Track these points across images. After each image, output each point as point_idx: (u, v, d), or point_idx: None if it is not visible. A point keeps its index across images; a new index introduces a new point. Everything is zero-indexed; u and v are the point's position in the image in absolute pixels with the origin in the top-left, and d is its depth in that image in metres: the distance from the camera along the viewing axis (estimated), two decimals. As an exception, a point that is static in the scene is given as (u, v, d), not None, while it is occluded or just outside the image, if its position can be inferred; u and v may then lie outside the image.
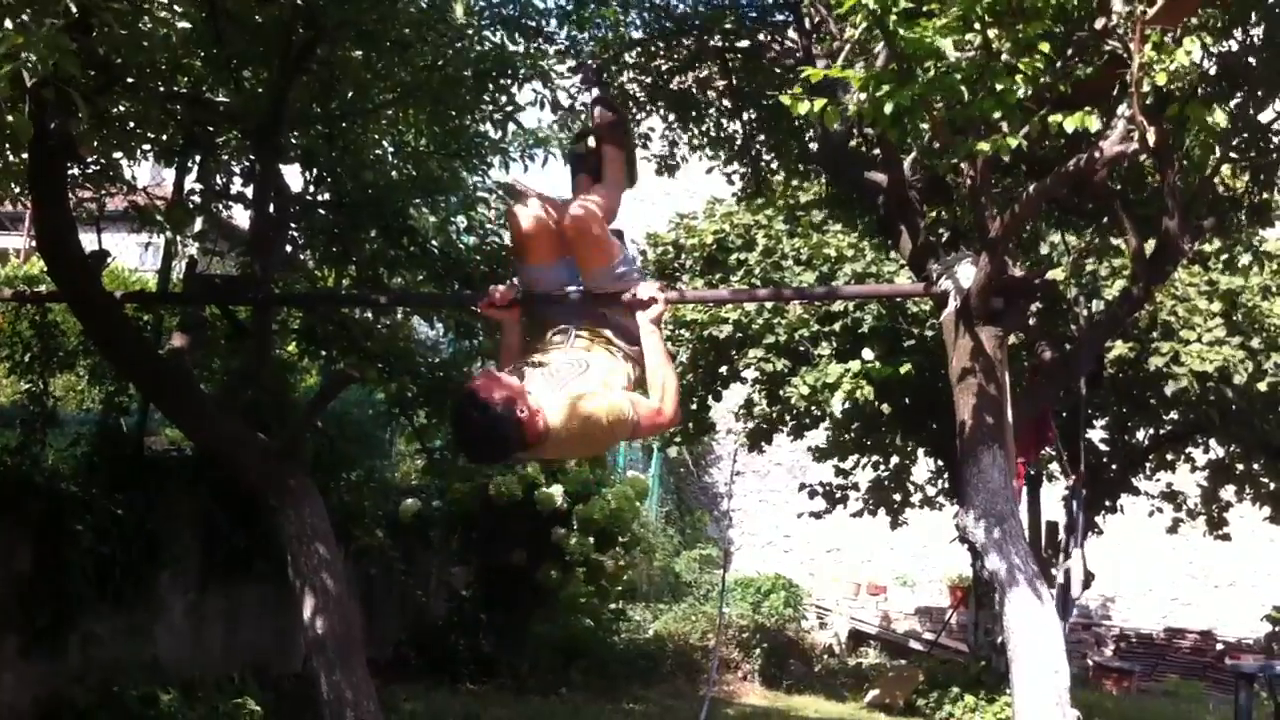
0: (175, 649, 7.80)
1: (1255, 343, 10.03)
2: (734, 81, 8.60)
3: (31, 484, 6.85)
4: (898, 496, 13.47)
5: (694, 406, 12.27)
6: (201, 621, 8.14)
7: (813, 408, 11.02)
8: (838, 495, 13.72)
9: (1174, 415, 11.79)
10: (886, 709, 12.69)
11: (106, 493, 7.24)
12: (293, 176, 7.38)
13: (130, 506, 7.30)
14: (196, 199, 7.18)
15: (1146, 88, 4.65)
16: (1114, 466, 12.62)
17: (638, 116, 8.93)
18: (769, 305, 10.85)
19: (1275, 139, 6.86)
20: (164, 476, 7.79)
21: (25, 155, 5.38)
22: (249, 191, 7.04)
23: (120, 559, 7.12)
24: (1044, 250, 9.84)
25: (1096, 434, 12.39)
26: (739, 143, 9.20)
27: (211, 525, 8.10)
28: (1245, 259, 9.35)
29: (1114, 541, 13.81)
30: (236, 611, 8.45)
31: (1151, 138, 4.79)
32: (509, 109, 7.00)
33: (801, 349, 10.98)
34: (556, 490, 10.51)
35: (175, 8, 4.28)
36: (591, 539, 10.75)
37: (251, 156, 6.93)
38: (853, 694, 13.52)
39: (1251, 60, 6.16)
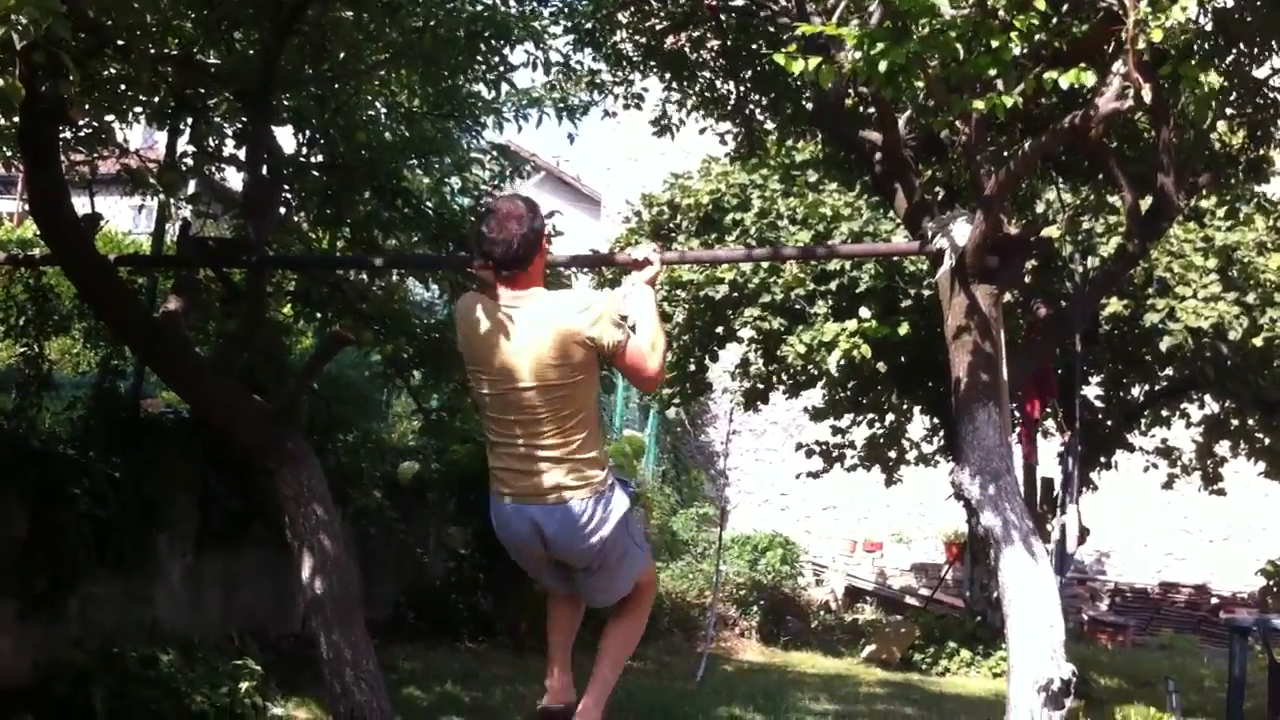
0: (174, 612, 7.82)
1: (1250, 298, 10.02)
2: (728, 41, 8.56)
3: (27, 448, 6.85)
4: (893, 454, 13.50)
5: (691, 367, 12.28)
6: (200, 584, 8.17)
7: (809, 367, 11.03)
8: (834, 454, 13.75)
9: (1169, 371, 11.81)
10: (883, 664, 12.79)
11: (103, 456, 7.24)
12: (285, 138, 7.35)
13: (127, 470, 7.30)
14: (189, 162, 7.16)
15: (1141, 44, 4.63)
16: (1109, 422, 12.64)
17: (631, 77, 8.90)
18: (765, 265, 10.84)
19: (1271, 95, 6.85)
20: (160, 439, 7.79)
21: (16, 119, 5.36)
22: (241, 154, 7.01)
23: (117, 523, 7.12)
24: (1039, 208, 9.83)
25: (1091, 390, 12.41)
26: (733, 103, 9.16)
27: (208, 488, 8.10)
28: (1247, 209, 9.33)
29: (1109, 497, 13.84)
30: (234, 573, 8.47)
31: (1147, 94, 4.78)
32: (502, 69, 6.97)
33: (797, 308, 10.98)
34: (554, 449, 10.52)
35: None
36: (589, 498, 10.78)
37: (244, 118, 6.90)
38: (849, 650, 13.62)
39: (1247, 16, 6.14)
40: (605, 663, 4.44)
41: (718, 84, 9.10)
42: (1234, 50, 6.37)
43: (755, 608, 14.41)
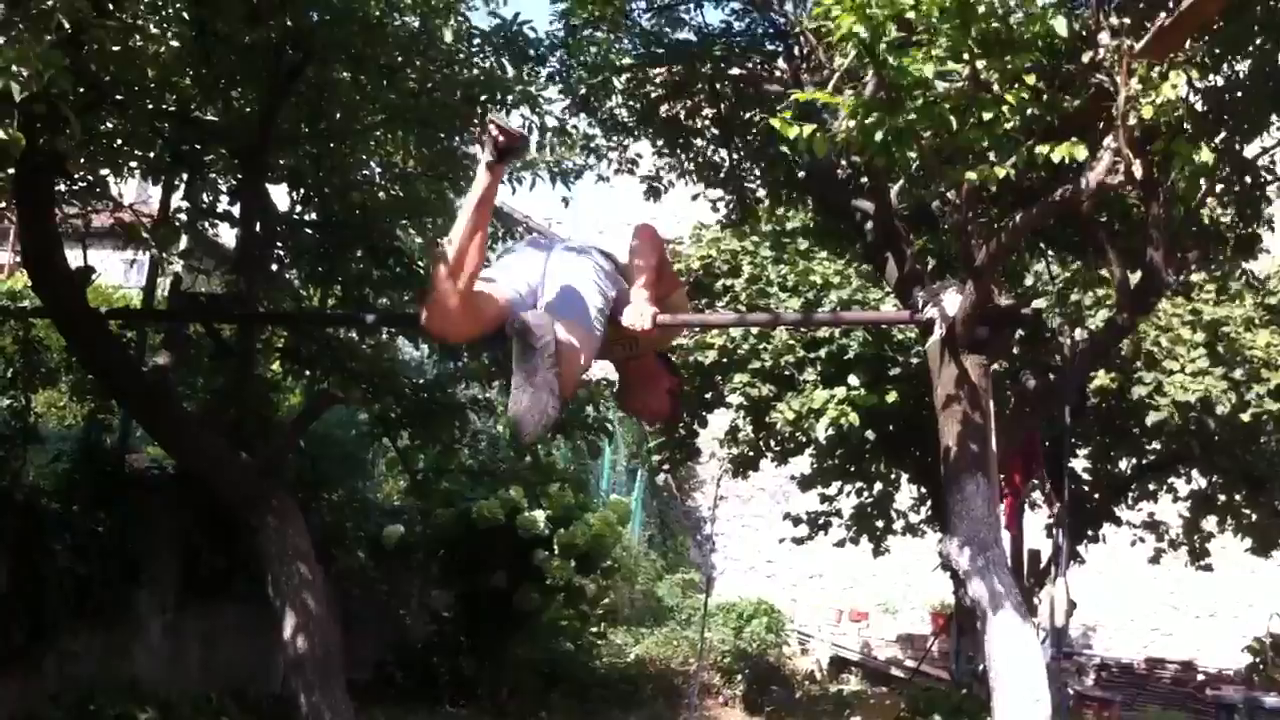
0: (153, 669, 7.74)
1: (1238, 374, 10.05)
2: (723, 109, 8.63)
3: (10, 500, 6.81)
4: (881, 523, 13.45)
5: (680, 432, 12.26)
6: (180, 641, 8.08)
7: (797, 433, 11.02)
8: (821, 522, 13.70)
9: (1157, 445, 11.81)
10: (868, 736, 12.66)
11: (86, 510, 7.20)
12: (280, 196, 7.38)
13: (110, 524, 7.25)
14: (183, 217, 7.18)
15: (1133, 121, 4.68)
16: (1096, 496, 12.64)
17: (626, 142, 8.96)
18: (754, 331, 10.86)
19: (1261, 172, 6.91)
20: (144, 494, 7.75)
21: (12, 170, 5.37)
22: (236, 210, 7.03)
23: (99, 577, 7.07)
24: (1029, 280, 9.89)
25: (1079, 463, 12.41)
26: (726, 170, 9.22)
27: (191, 544, 8.04)
28: (1237, 285, 9.39)
29: (1096, 571, 13.81)
30: (215, 631, 8.39)
31: (1137, 170, 4.82)
32: (496, 133, 7.00)
33: (787, 375, 10.99)
34: (539, 514, 10.48)
35: (166, 27, 4.28)
36: (573, 563, 10.72)
37: (239, 175, 6.93)
38: (834, 721, 13.49)
39: (1238, 94, 6.21)
40: None
41: (711, 151, 9.16)
42: (1223, 128, 6.43)
43: (740, 676, 14.28)
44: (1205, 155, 4.73)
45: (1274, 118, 6.47)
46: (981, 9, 4.23)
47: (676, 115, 8.80)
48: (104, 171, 6.45)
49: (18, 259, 10.30)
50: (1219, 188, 6.77)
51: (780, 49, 8.03)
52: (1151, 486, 12.95)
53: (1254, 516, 12.33)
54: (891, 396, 10.38)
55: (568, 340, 3.81)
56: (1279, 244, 9.33)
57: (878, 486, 13.23)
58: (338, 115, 6.88)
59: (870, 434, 10.82)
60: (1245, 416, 9.99)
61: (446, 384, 8.29)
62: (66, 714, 6.76)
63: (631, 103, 8.73)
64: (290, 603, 6.08)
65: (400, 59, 6.33)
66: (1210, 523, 13.01)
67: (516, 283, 4.03)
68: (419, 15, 6.14)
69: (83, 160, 5.80)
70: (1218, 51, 5.96)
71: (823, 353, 10.76)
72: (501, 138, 3.75)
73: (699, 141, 9.09)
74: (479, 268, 3.89)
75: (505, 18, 6.82)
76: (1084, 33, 5.25)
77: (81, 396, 7.98)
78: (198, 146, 6.76)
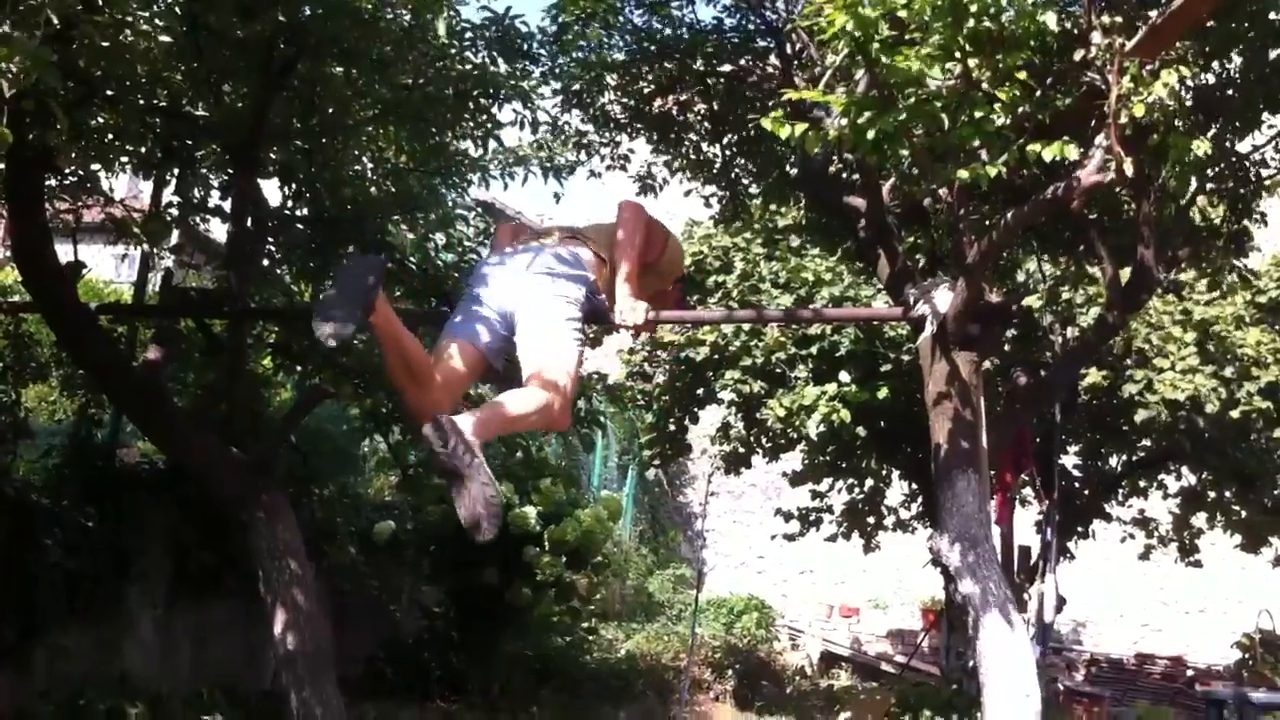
0: (143, 664, 7.72)
1: (1228, 371, 10.10)
2: (715, 106, 8.63)
3: (0, 495, 6.79)
4: (872, 519, 13.48)
5: (670, 427, 12.27)
6: (170, 637, 8.07)
7: (789, 430, 11.04)
8: (812, 518, 13.72)
9: (1146, 442, 11.86)
10: (858, 732, 12.68)
11: (77, 505, 7.18)
12: (271, 191, 7.36)
13: (100, 520, 7.24)
14: (174, 212, 7.16)
15: (1124, 119, 4.69)
16: (1086, 492, 12.68)
17: (618, 138, 8.95)
18: (746, 327, 10.86)
19: (1252, 169, 6.93)
20: (135, 490, 7.73)
21: (2, 165, 5.36)
22: (227, 205, 7.01)
23: (89, 573, 7.05)
24: (1020, 277, 9.90)
25: (1069, 460, 12.45)
26: (718, 166, 9.22)
27: (182, 540, 8.03)
28: (1230, 279, 9.41)
29: (1086, 567, 13.84)
30: (206, 627, 8.37)
31: (1128, 168, 4.83)
32: (489, 127, 7.00)
33: (778, 371, 11.00)
34: (530, 510, 10.47)
35: (157, 22, 4.27)
36: (564, 559, 10.71)
37: (230, 170, 6.91)
38: (824, 716, 13.50)
39: (1230, 92, 6.23)
40: (498, 399, 3.96)
41: (704, 147, 9.16)
42: (1215, 125, 6.45)
43: (730, 671, 14.31)
44: (1205, 147, 4.75)
45: (1266, 115, 6.49)
46: (973, 7, 4.23)
47: (669, 111, 8.80)
48: (95, 166, 6.42)
49: (8, 254, 10.27)
50: (1210, 185, 6.79)
51: (772, 46, 8.03)
52: (1141, 483, 12.99)
53: (1243, 513, 12.38)
54: (883, 393, 10.40)
55: (557, 360, 3.96)
56: (1270, 241, 9.37)
57: (869, 483, 13.25)
58: (330, 110, 6.86)
59: (861, 430, 10.84)
60: (1235, 414, 10.04)
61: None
62: (57, 710, 6.74)
63: (624, 99, 8.73)
64: (281, 598, 6.07)
65: (393, 53, 6.31)
66: (1200, 519, 13.06)
67: (485, 321, 4.12)
68: (411, 9, 6.12)
69: (73, 155, 5.78)
70: (1209, 49, 5.97)
71: (814, 349, 10.77)
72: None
73: (691, 137, 9.09)
74: (429, 358, 4.02)
75: (497, 12, 6.81)
76: (1075, 31, 5.26)
77: (72, 392, 7.96)
78: (189, 141, 6.73)
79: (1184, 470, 12.61)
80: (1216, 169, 6.67)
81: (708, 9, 17.39)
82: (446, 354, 4.06)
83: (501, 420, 3.87)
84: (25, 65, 3.37)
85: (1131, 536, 13.61)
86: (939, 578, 12.74)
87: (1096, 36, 5.01)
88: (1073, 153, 4.54)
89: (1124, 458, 12.68)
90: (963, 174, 4.61)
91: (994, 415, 6.90)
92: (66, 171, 6.05)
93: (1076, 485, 12.60)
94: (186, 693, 7.81)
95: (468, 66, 6.72)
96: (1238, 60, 6.27)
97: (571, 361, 4.05)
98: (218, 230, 7.86)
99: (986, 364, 6.84)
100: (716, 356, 11.14)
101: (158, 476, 7.95)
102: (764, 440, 11.93)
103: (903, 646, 17.72)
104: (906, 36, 4.45)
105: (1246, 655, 15.43)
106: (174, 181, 7.21)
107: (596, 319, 4.31)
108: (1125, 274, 6.50)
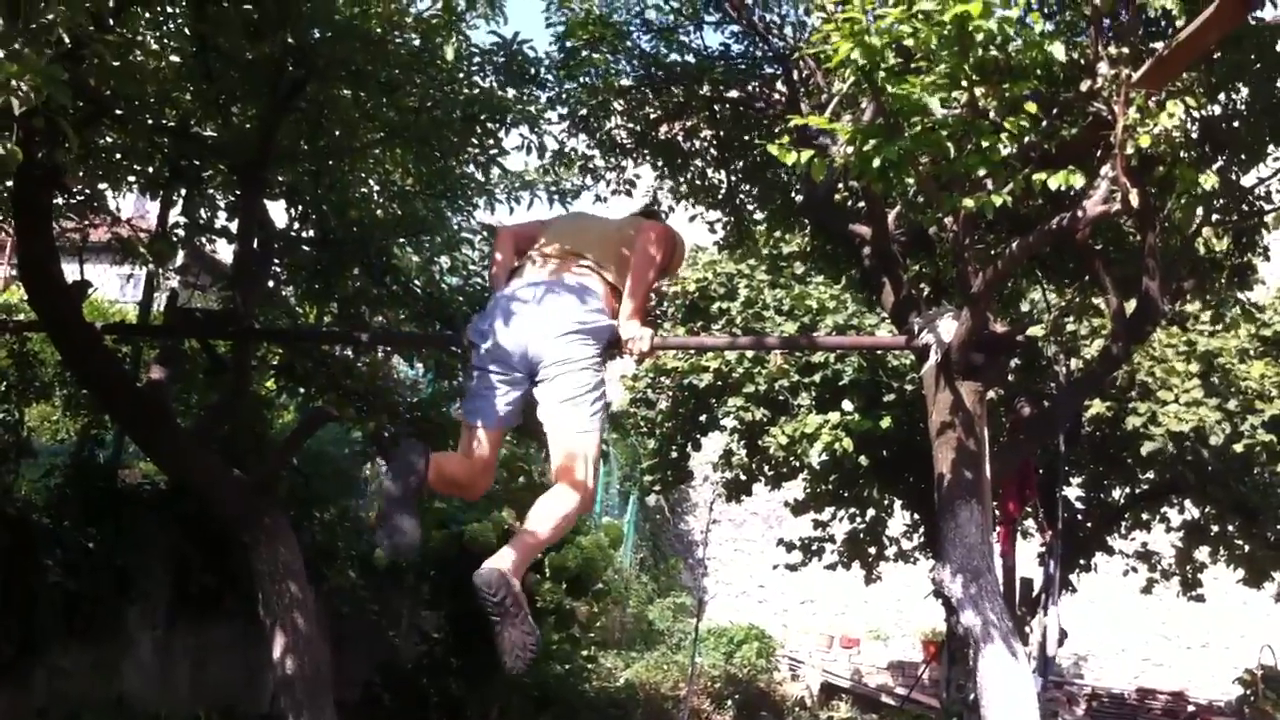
0: (142, 685, 7.69)
1: (1232, 404, 10.06)
2: (721, 132, 8.65)
3: (2, 515, 6.78)
4: (873, 550, 13.43)
5: (673, 454, 12.24)
6: (169, 658, 8.04)
7: (791, 458, 11.01)
8: (813, 548, 13.67)
9: (1150, 475, 11.81)
10: (857, 763, 12.62)
11: (78, 525, 7.17)
12: (277, 213, 7.38)
13: (101, 540, 7.22)
14: (180, 232, 7.17)
15: (1130, 149, 4.70)
16: (1089, 525, 12.62)
17: (624, 163, 8.98)
18: (749, 354, 10.86)
19: (1257, 201, 6.94)
20: (136, 510, 7.72)
21: (9, 183, 5.37)
22: (233, 226, 7.03)
23: (89, 593, 7.03)
24: (1025, 307, 9.90)
25: (1072, 492, 12.40)
26: (724, 192, 9.24)
27: (182, 561, 8.01)
28: (1233, 312, 9.41)
29: (1088, 600, 13.80)
30: (205, 649, 8.34)
31: (1134, 199, 4.84)
32: (495, 152, 7.02)
33: (781, 399, 10.98)
34: (531, 535, 10.45)
35: (167, 42, 4.29)
36: (564, 585, 10.68)
37: (237, 191, 6.93)
38: (824, 748, 13.45)
39: (1235, 124, 6.24)
40: (528, 527, 4.13)
41: (709, 173, 9.18)
42: (1221, 157, 6.46)
43: (730, 702, 14.25)
44: (1212, 179, 4.75)
45: (1271, 147, 6.50)
46: (980, 36, 4.25)
47: (674, 137, 8.82)
48: (102, 186, 6.45)
49: (14, 272, 10.29)
50: (1215, 217, 6.79)
51: (779, 73, 8.06)
52: (1144, 516, 12.93)
53: (1247, 547, 12.32)
54: (886, 422, 10.37)
55: (582, 445, 4.13)
56: (1274, 274, 9.36)
57: (871, 512, 13.20)
58: (337, 132, 6.88)
59: (864, 459, 10.80)
60: (1239, 447, 10.00)
61: (441, 402, 8.28)
62: (53, 730, 6.72)
63: (630, 124, 8.76)
64: (281, 621, 6.06)
65: (401, 77, 6.33)
66: (1203, 553, 12.99)
67: (500, 393, 4.23)
68: (420, 33, 6.15)
69: (81, 174, 5.80)
70: (1215, 81, 5.98)
71: (817, 377, 10.75)
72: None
73: (697, 163, 9.11)
74: (465, 464, 4.26)
75: (505, 36, 6.83)
76: (1082, 61, 5.27)
77: (75, 411, 7.96)
78: (196, 162, 6.75)
79: (1187, 503, 12.55)
80: (1221, 201, 6.68)
81: (715, 35, 17.51)
82: (475, 444, 4.25)
83: (539, 547, 4.16)
84: (36, 83, 3.38)
85: (1134, 570, 13.55)
86: (940, 609, 12.69)
87: (1103, 67, 5.02)
88: (1078, 182, 4.55)
89: (1127, 490, 12.63)
90: (968, 202, 4.61)
91: (998, 446, 6.89)
92: (74, 190, 6.06)
93: (1079, 517, 12.55)
94: (184, 715, 7.78)
95: (475, 91, 6.74)
96: (1244, 92, 6.28)
97: (594, 444, 4.20)
98: (224, 251, 7.88)
99: (990, 394, 6.83)
100: (719, 383, 11.12)
101: (159, 497, 7.94)
102: (766, 468, 11.90)
103: (903, 678, 17.64)
104: (913, 65, 4.47)
105: (1248, 691, 15.34)
106: (181, 202, 7.22)
107: (607, 348, 4.33)
108: (1130, 305, 6.49)
